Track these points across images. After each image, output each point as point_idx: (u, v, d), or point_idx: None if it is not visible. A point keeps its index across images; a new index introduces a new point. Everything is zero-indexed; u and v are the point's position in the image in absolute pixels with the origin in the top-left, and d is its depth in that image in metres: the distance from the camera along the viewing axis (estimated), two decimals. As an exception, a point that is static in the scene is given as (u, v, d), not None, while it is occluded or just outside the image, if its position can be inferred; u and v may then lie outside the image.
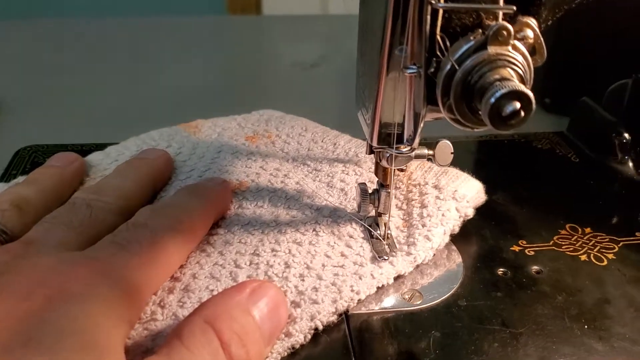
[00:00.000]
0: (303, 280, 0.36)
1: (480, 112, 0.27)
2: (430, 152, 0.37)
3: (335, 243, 0.39)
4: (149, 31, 0.99)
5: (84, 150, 0.50)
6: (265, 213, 0.42)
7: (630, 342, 0.34)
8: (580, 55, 0.64)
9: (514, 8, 0.28)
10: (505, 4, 0.28)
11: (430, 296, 0.37)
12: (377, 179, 0.40)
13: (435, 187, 0.43)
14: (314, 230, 0.40)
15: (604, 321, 0.35)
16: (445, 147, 0.37)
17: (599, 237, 0.43)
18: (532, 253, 0.41)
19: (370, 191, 0.40)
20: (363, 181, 0.45)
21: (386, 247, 0.39)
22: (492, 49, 0.28)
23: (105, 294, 0.29)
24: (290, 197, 0.44)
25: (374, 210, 0.41)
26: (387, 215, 0.40)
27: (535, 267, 0.40)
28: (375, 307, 0.36)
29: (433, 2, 0.28)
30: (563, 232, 0.43)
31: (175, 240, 0.35)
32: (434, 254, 0.40)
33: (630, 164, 0.52)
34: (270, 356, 0.31)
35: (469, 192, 0.43)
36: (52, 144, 0.52)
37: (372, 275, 0.37)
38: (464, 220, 0.42)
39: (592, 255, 0.41)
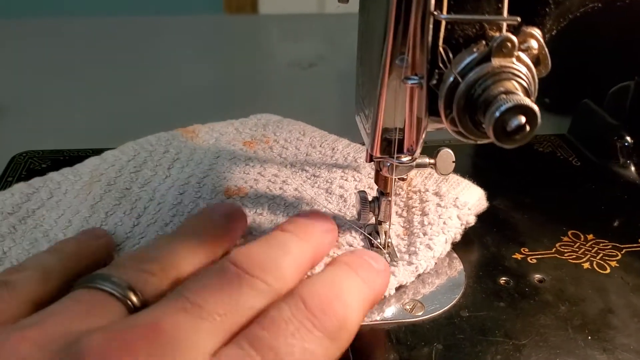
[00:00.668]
0: None
1: (483, 126, 0.27)
2: (432, 161, 0.37)
3: (334, 252, 0.39)
4: (144, 31, 0.98)
5: (80, 156, 0.49)
6: (265, 221, 0.42)
7: (636, 354, 0.33)
8: (581, 55, 0.63)
9: (519, 19, 0.28)
10: (509, 14, 0.28)
11: (432, 307, 0.37)
12: (376, 186, 0.40)
13: (436, 194, 0.43)
14: None
15: (608, 332, 0.35)
16: (447, 156, 0.37)
17: (601, 244, 0.42)
18: (535, 261, 0.41)
19: (370, 199, 0.40)
20: (362, 187, 0.45)
21: (387, 256, 0.39)
22: (496, 61, 0.27)
23: None
24: (289, 204, 0.43)
25: (373, 218, 0.40)
26: (388, 223, 0.40)
27: (537, 276, 0.39)
28: (376, 318, 0.36)
29: (435, 13, 0.27)
30: (565, 239, 0.43)
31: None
32: (436, 263, 0.40)
33: (633, 168, 0.51)
34: None
35: (470, 199, 0.42)
36: (48, 149, 0.52)
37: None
38: (465, 228, 0.41)
39: (594, 263, 0.41)
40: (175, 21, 1.03)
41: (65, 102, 0.72)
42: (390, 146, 0.35)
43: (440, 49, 0.28)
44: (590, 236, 0.43)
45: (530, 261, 0.41)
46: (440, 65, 0.29)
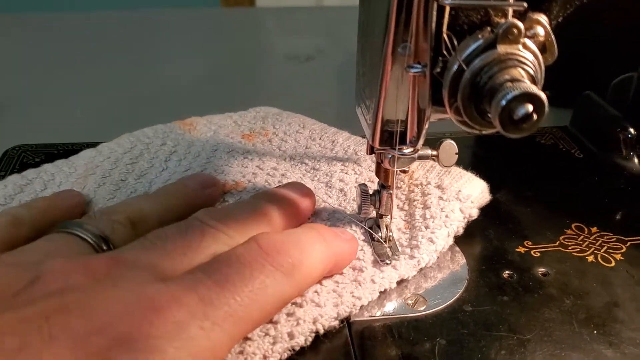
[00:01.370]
0: None
1: (489, 115, 0.26)
2: (434, 152, 0.36)
3: None
4: (140, 24, 0.96)
5: (75, 149, 0.48)
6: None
7: (642, 348, 0.33)
8: (583, 47, 0.63)
9: (525, 5, 0.27)
10: (515, 0, 0.27)
11: (434, 301, 0.36)
12: (377, 179, 0.39)
13: (438, 187, 0.42)
14: None
15: (614, 325, 0.34)
16: (450, 148, 0.36)
17: (605, 237, 0.42)
18: (538, 254, 0.40)
19: (370, 192, 0.39)
20: (363, 181, 0.44)
21: (388, 250, 0.38)
22: (501, 48, 0.26)
23: (193, 341, 0.26)
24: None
25: (374, 212, 0.40)
26: (389, 216, 0.39)
27: (541, 269, 0.39)
28: (377, 313, 0.35)
29: (439, -2, 0.27)
30: (569, 232, 0.42)
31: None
32: (438, 257, 0.39)
33: (636, 160, 0.50)
34: (271, 356, 0.30)
35: (473, 192, 0.41)
36: (42, 143, 0.51)
37: (372, 280, 0.36)
38: (468, 221, 0.41)
39: (599, 256, 0.40)
40: (173, 14, 1.02)
41: (60, 97, 0.71)
42: (391, 137, 0.34)
43: (444, 35, 0.28)
44: (594, 229, 0.42)
45: (533, 254, 0.40)
46: (444, 52, 0.28)
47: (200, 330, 0.26)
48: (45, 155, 0.49)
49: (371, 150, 0.37)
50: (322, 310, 0.33)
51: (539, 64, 0.27)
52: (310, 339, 0.32)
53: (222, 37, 0.94)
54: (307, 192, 0.39)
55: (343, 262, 0.36)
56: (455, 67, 0.27)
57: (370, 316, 0.35)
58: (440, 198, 0.41)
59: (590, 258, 0.40)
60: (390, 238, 0.39)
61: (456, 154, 0.36)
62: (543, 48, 0.28)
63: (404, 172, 0.40)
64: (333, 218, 0.41)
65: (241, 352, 0.30)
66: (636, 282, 0.38)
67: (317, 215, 0.41)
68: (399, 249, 0.38)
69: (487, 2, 0.27)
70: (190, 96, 0.72)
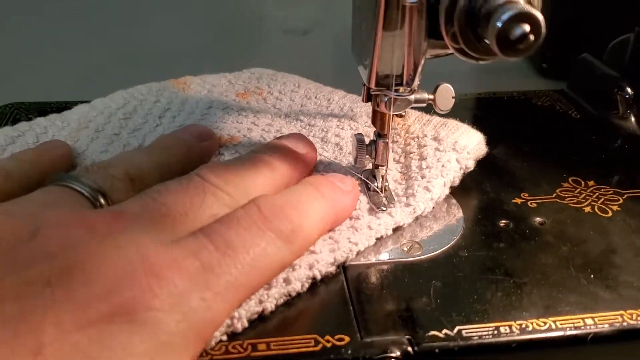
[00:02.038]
0: None
1: (486, 40, 0.26)
2: (431, 96, 0.36)
3: None
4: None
5: (68, 107, 0.48)
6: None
7: (638, 290, 0.33)
8: (578, 18, 0.62)
9: None
10: None
11: (430, 247, 0.36)
12: (373, 131, 0.38)
13: (435, 139, 0.42)
14: None
15: (611, 270, 0.34)
16: (446, 91, 0.35)
17: (602, 190, 0.41)
18: (535, 205, 0.40)
19: (367, 142, 0.38)
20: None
21: (384, 199, 0.38)
22: (498, -28, 0.26)
23: (194, 313, 0.25)
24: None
25: (370, 163, 0.39)
26: (385, 167, 0.38)
27: (538, 219, 0.38)
28: (373, 259, 0.35)
29: None
30: (566, 185, 0.42)
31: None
32: (434, 207, 0.39)
33: (633, 119, 0.50)
34: (266, 300, 0.30)
35: (469, 143, 0.41)
36: (35, 101, 0.50)
37: (369, 226, 0.35)
38: (464, 173, 0.40)
39: (596, 207, 0.40)
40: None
41: (53, 55, 0.70)
42: (388, 79, 0.34)
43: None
44: (591, 182, 0.42)
45: (530, 205, 0.40)
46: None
47: (202, 302, 0.26)
48: (39, 113, 0.48)
49: (367, 96, 0.36)
50: (319, 256, 0.33)
51: (536, -11, 0.27)
52: (306, 285, 0.32)
53: (218, 6, 0.93)
54: (309, 142, 0.39)
55: (344, 216, 0.36)
56: (452, -7, 0.27)
57: (364, 261, 0.34)
58: (437, 149, 0.41)
59: (587, 209, 0.40)
60: (386, 188, 0.38)
61: (453, 97, 0.35)
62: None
63: (400, 116, 0.39)
64: (329, 170, 0.40)
65: None
66: (633, 230, 0.38)
67: (314, 168, 0.40)
68: (395, 198, 0.38)
69: None
70: (185, 60, 0.71)
